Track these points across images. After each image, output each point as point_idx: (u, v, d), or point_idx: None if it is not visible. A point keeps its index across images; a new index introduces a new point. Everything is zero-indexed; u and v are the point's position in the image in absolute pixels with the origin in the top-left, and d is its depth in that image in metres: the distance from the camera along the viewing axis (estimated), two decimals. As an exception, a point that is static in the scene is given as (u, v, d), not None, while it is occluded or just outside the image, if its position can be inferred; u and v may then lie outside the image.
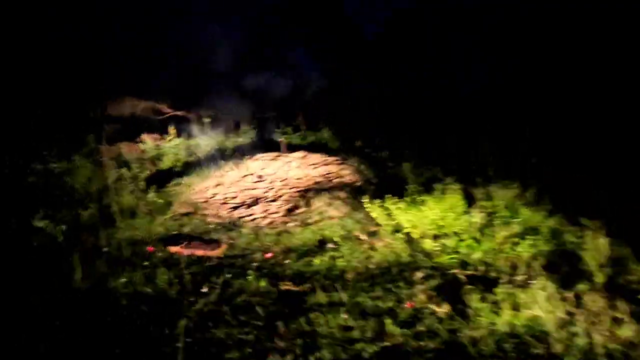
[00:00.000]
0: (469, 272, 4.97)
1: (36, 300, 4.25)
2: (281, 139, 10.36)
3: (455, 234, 5.68)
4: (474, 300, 4.21)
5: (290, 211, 7.14)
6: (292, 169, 9.08)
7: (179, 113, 14.91)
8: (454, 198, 6.18)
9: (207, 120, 12.81)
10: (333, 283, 4.74)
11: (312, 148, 11.07)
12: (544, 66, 12.86)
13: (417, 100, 13.40)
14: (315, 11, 16.23)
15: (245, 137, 12.30)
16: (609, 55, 11.86)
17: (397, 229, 5.96)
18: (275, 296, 4.50)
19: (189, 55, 14.96)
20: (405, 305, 4.27)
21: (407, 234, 5.79)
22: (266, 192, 8.11)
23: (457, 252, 5.40)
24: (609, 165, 8.69)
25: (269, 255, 5.56)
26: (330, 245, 5.78)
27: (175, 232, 6.34)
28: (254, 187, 8.36)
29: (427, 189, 6.71)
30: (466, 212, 6.07)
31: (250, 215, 7.05)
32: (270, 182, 8.55)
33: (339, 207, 7.03)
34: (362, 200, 6.71)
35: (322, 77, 14.94)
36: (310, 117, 13.78)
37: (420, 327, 3.94)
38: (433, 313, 4.18)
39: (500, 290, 4.34)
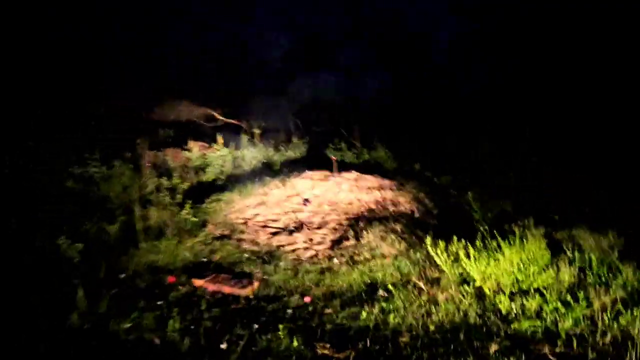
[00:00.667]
0: (558, 350, 3.83)
1: (23, 340, 3.48)
2: (334, 157, 9.40)
3: (538, 292, 4.55)
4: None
5: (337, 243, 6.18)
6: (343, 191, 8.12)
7: (230, 121, 14.31)
8: (535, 245, 5.05)
9: (257, 131, 12.09)
10: (382, 349, 3.74)
11: (366, 168, 10.11)
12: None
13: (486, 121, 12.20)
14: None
15: (296, 151, 11.46)
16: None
17: (464, 280, 4.89)
18: (310, 363, 3.55)
19: (242, 61, 14.35)
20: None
21: (479, 288, 4.70)
22: (312, 216, 7.19)
23: (540, 318, 4.27)
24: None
25: (307, 299, 4.61)
26: (381, 293, 4.77)
27: (204, 259, 5.51)
28: (299, 209, 7.46)
29: (501, 232, 5.57)
30: (550, 265, 4.93)
31: (292, 244, 6.14)
32: (318, 205, 7.62)
33: (394, 242, 6.00)
34: (422, 237, 5.68)
35: (380, 84, 13.98)
36: (365, 133, 12.83)
37: None
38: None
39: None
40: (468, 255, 4.91)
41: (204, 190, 8.28)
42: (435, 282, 5.00)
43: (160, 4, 13.60)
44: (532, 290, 4.58)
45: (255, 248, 5.96)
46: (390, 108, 13.61)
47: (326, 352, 3.68)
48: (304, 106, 13.54)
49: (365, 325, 4.15)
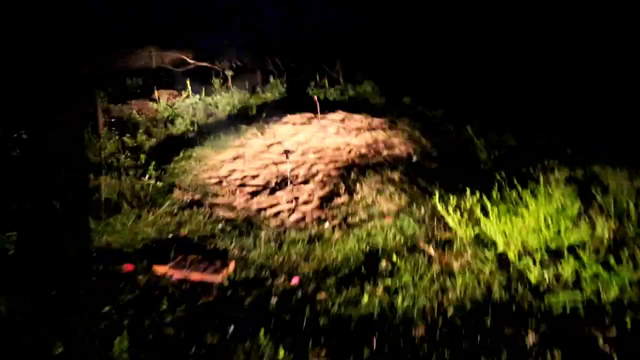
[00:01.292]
0: (609, 333, 3.02)
1: None
2: (316, 97, 8.31)
3: (572, 253, 3.70)
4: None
5: (326, 200, 5.26)
6: (330, 135, 7.12)
7: (202, 64, 12.99)
8: (559, 192, 4.17)
9: (230, 73, 10.87)
10: (393, 351, 2.90)
11: (352, 106, 9.06)
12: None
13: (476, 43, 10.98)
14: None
15: (274, 92, 10.33)
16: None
17: (481, 240, 4.02)
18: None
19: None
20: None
21: (501, 254, 3.83)
22: (296, 168, 6.22)
23: (579, 287, 3.43)
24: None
25: (295, 281, 3.74)
26: (384, 265, 3.90)
27: (169, 236, 4.57)
28: (281, 160, 6.48)
29: (517, 176, 4.65)
30: (581, 216, 4.07)
31: (274, 206, 5.21)
32: (302, 154, 6.64)
33: (393, 196, 5.09)
34: (425, 188, 4.79)
35: (358, 17, 12.55)
36: (349, 66, 11.63)
37: None
38: None
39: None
40: (485, 212, 4.02)
41: (173, 146, 7.24)
42: (446, 245, 4.12)
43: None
44: (565, 252, 3.73)
45: (231, 215, 5.02)
46: (370, 42, 12.30)
47: (322, 362, 2.83)
48: (282, 44, 12.21)
49: (368, 313, 3.29)
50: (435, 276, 3.68)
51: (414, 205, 4.85)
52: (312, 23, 11.75)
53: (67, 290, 3.49)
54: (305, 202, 5.22)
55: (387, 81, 10.71)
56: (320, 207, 5.10)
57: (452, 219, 4.00)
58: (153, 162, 6.06)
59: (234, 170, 6.28)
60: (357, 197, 5.18)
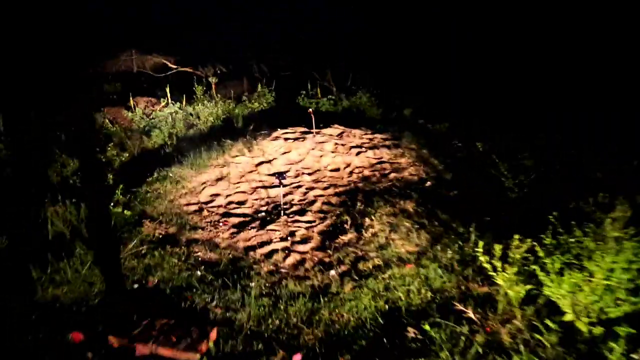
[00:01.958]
0: None
1: None
2: (310, 108, 7.36)
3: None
4: None
5: (329, 238, 4.31)
6: (326, 153, 6.19)
7: (185, 69, 12.00)
8: (628, 241, 3.28)
9: (213, 80, 9.88)
10: None
11: (348, 118, 8.15)
12: None
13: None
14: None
15: (262, 101, 9.36)
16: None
17: (532, 297, 3.11)
18: None
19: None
20: None
21: (566, 321, 2.92)
22: (290, 193, 5.27)
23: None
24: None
25: (296, 359, 2.79)
26: (411, 334, 2.97)
27: (135, 286, 3.58)
28: (271, 183, 5.53)
29: (570, 216, 3.74)
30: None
31: (265, 245, 4.24)
32: (296, 176, 5.70)
33: (411, 233, 4.16)
34: (448, 222, 3.88)
35: (358, 17, 11.69)
36: (342, 74, 10.71)
37: None
38: None
39: None
40: (539, 265, 3.11)
41: (147, 164, 6.23)
42: (487, 305, 3.21)
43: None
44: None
45: (213, 256, 4.04)
46: (369, 42, 11.45)
47: None
48: (270, 50, 11.27)
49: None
50: (481, 352, 2.76)
51: (438, 246, 3.93)
52: (312, 23, 10.93)
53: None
54: (304, 240, 4.27)
55: (384, 88, 9.84)
56: (322, 246, 4.15)
57: (500, 277, 3.07)
58: (121, 186, 5.05)
59: (216, 195, 5.30)
60: (366, 234, 4.23)
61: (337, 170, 5.76)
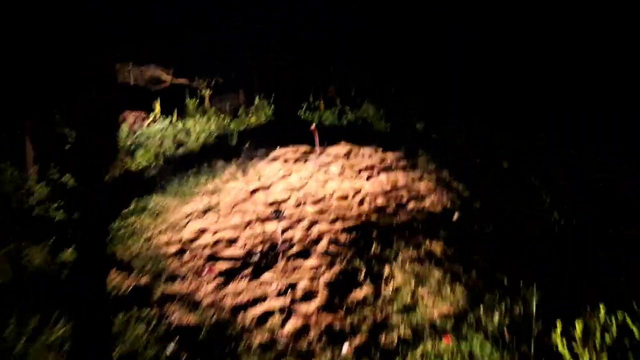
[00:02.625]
0: None
1: None
2: (313, 124, 6.45)
3: None
4: None
5: (339, 292, 3.39)
6: (332, 177, 5.30)
7: (179, 81, 11.16)
8: None
9: (207, 92, 9.01)
10: None
11: (354, 133, 7.27)
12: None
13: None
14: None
15: (260, 115, 8.48)
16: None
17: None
18: None
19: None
20: None
21: None
22: (290, 228, 4.37)
23: None
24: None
25: None
26: None
27: (84, 372, 2.67)
28: (268, 215, 4.63)
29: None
30: None
31: (259, 302, 3.33)
32: (297, 205, 4.80)
33: (442, 286, 3.26)
34: (491, 273, 2.98)
35: (349, 22, 10.95)
36: (344, 84, 9.86)
37: None
38: None
39: None
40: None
41: (126, 190, 5.35)
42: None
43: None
44: None
45: (192, 319, 3.13)
46: (363, 47, 10.70)
47: None
48: (268, 57, 10.47)
49: None
50: None
51: (480, 306, 3.02)
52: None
53: None
54: (307, 295, 3.36)
55: (390, 102, 9.01)
56: (331, 304, 3.24)
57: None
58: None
59: (203, 231, 4.40)
60: (386, 289, 3.32)
61: (345, 198, 4.86)
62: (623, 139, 6.38)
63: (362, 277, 3.48)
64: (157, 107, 8.20)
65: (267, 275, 3.61)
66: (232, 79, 10.52)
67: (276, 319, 3.09)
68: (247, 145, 6.49)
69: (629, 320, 2.25)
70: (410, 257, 3.62)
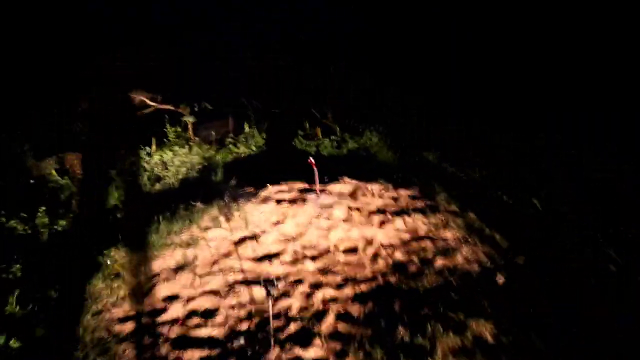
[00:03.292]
0: None
1: None
2: (310, 157, 5.44)
3: None
4: None
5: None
6: (337, 223, 4.28)
7: (165, 107, 10.19)
8: None
9: (190, 120, 8.03)
10: None
11: (357, 165, 6.29)
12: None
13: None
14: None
15: (249, 145, 7.49)
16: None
17: None
18: None
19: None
20: None
21: None
22: (285, 294, 3.34)
23: None
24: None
25: None
26: None
27: None
28: (257, 275, 3.60)
29: None
30: None
31: None
32: (294, 262, 3.77)
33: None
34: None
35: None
36: (343, 106, 8.95)
37: None
38: None
39: None
40: None
41: (82, 239, 4.30)
42: None
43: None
44: None
45: None
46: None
47: None
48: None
49: None
50: None
51: None
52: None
53: None
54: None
55: (398, 128, 8.14)
56: None
57: None
58: (17, 291, 3.11)
59: (172, 299, 3.36)
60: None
61: (355, 251, 3.85)
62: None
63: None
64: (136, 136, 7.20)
65: (254, 375, 2.57)
66: (219, 105, 9.60)
67: None
68: (233, 181, 5.48)
69: None
70: (451, 347, 2.60)
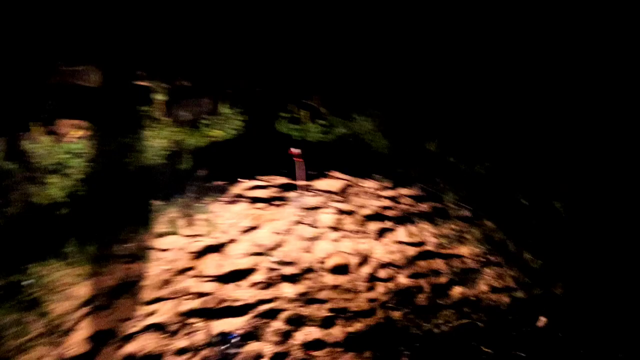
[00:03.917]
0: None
1: None
2: (294, 149, 4.53)
3: None
4: None
5: None
6: (323, 232, 3.42)
7: (142, 83, 9.18)
8: None
9: (161, 97, 7.05)
10: None
11: (348, 155, 5.42)
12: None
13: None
14: None
15: (225, 128, 6.54)
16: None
17: None
18: None
19: None
20: None
21: None
22: (254, 332, 2.48)
23: None
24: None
25: None
26: None
27: None
28: (219, 301, 2.74)
29: None
30: None
31: None
32: (269, 283, 2.90)
33: None
34: None
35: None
36: (333, 88, 8.02)
37: None
38: None
39: None
40: None
41: (9, 248, 3.38)
42: None
43: None
44: None
45: None
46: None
47: None
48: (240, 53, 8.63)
49: None
50: None
51: None
52: None
53: None
54: None
55: (394, 113, 7.23)
56: None
57: None
58: None
59: (104, 339, 2.49)
60: None
61: (346, 270, 3.00)
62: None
63: None
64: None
65: None
66: (200, 78, 8.60)
67: None
68: (201, 172, 4.57)
69: None
70: None
